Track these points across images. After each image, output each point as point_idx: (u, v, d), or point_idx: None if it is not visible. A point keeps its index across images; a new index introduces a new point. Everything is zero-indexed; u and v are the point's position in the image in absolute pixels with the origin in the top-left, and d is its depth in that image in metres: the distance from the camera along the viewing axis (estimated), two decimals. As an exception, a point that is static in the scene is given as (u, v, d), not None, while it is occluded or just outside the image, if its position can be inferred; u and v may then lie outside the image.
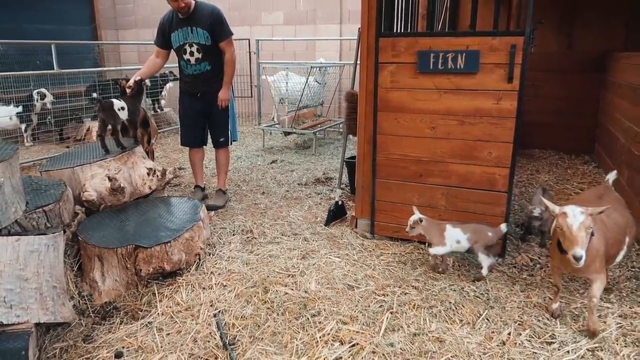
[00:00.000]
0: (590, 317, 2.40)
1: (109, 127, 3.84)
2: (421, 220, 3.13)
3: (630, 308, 2.65)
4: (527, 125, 6.24)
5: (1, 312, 2.27)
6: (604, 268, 2.39)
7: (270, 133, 7.83)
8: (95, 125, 6.84)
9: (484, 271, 3.03)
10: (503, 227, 3.08)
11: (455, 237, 3.06)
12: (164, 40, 4.34)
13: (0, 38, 7.85)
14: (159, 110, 8.47)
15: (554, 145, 6.34)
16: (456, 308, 2.71)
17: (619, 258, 2.56)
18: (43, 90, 6.70)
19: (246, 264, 3.32)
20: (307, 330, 2.54)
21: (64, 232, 3.05)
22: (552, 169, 5.56)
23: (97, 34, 9.95)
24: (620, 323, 2.51)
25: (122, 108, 3.84)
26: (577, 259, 2.11)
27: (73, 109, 7.13)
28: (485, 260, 3.02)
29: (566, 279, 2.96)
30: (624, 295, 2.82)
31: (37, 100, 6.68)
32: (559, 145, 6.29)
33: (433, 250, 3.11)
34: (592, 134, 6.02)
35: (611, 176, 2.94)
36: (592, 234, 2.24)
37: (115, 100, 3.83)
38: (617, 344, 2.33)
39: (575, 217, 2.15)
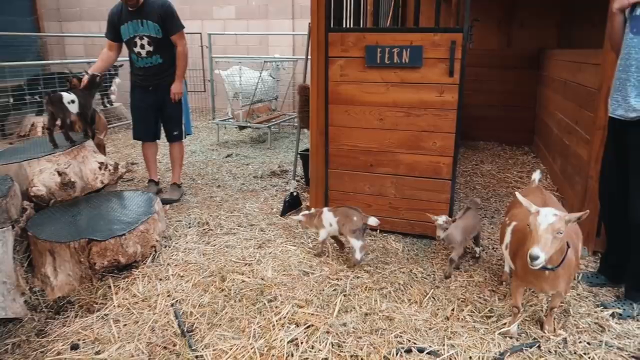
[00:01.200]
0: (549, 322, 2.42)
1: (58, 121, 3.77)
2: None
3: (560, 283, 2.90)
4: (472, 118, 6.59)
5: (-51, 308, 2.23)
6: (571, 281, 2.34)
7: (225, 127, 7.82)
8: (39, 121, 6.64)
9: (357, 255, 3.11)
10: (372, 220, 3.10)
11: (329, 220, 3.23)
12: (114, 33, 4.28)
13: None
14: (108, 105, 8.26)
15: (497, 137, 6.71)
16: (405, 289, 2.88)
17: None
18: None
19: (203, 254, 3.36)
20: (263, 315, 2.63)
21: (13, 227, 2.99)
22: (495, 159, 5.90)
23: (39, 26, 9.55)
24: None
25: (72, 101, 3.77)
26: (532, 258, 1.95)
27: (15, 103, 6.85)
28: (355, 244, 3.11)
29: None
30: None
31: None
32: (501, 137, 6.67)
33: (321, 236, 3.27)
34: (531, 126, 6.42)
35: (537, 176, 2.94)
36: (568, 246, 2.15)
37: (64, 94, 3.76)
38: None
39: (545, 217, 2.00)
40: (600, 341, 2.35)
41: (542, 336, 2.39)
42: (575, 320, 2.51)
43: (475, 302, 2.72)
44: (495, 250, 3.42)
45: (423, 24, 3.70)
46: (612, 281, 2.84)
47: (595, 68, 3.38)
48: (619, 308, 2.57)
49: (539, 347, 2.30)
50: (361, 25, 3.94)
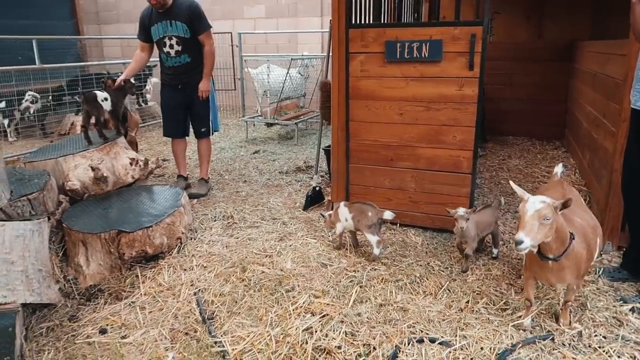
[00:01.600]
0: (564, 315, 2.41)
1: (93, 119, 3.98)
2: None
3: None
4: (501, 112, 6.50)
5: (-11, 292, 2.40)
6: (583, 275, 2.33)
7: (254, 125, 7.96)
8: (79, 120, 6.95)
9: (375, 250, 3.17)
10: (387, 214, 3.15)
11: (344, 215, 3.28)
12: (146, 34, 4.46)
13: (-21, 33, 7.89)
14: (143, 104, 8.55)
15: (527, 131, 6.57)
16: (421, 281, 2.90)
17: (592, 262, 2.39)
18: (37, 95, 6.78)
19: (226, 246, 3.48)
20: (281, 304, 2.71)
21: (49, 219, 3.18)
22: (523, 154, 5.79)
23: (79, 29, 9.96)
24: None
25: (105, 99, 3.98)
26: (517, 243, 2.00)
27: (55, 104, 7.21)
28: (372, 239, 3.16)
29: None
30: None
31: (26, 101, 6.76)
32: (531, 131, 6.53)
33: (337, 230, 3.34)
34: (562, 120, 6.26)
35: (558, 169, 2.91)
36: (572, 237, 2.16)
37: (98, 92, 3.97)
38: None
39: (532, 204, 2.04)
40: (617, 335, 2.31)
41: (556, 329, 2.38)
42: (592, 314, 2.48)
43: (491, 295, 2.72)
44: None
45: (447, 17, 3.69)
46: (635, 276, 2.77)
47: (622, 59, 3.29)
48: (639, 303, 2.52)
49: (552, 339, 2.29)
50: (382, 21, 3.96)
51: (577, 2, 6.01)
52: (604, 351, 2.20)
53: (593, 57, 4.54)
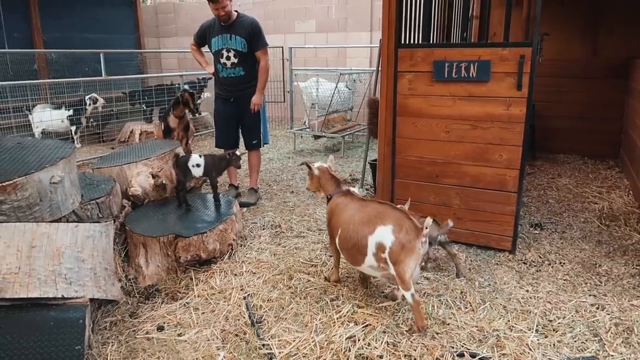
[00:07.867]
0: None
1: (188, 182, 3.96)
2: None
3: (629, 302, 2.82)
4: (552, 130, 6.39)
5: (63, 287, 2.64)
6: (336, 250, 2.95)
7: (302, 136, 8.17)
8: (137, 128, 7.40)
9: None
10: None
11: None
12: (201, 41, 4.83)
13: (52, 47, 8.53)
14: (197, 114, 8.93)
15: (579, 150, 6.42)
16: (462, 296, 2.95)
17: (366, 267, 2.74)
18: (95, 95, 7.28)
19: (274, 254, 3.64)
20: (325, 312, 2.83)
21: (114, 222, 3.45)
22: (574, 173, 5.66)
23: (140, 42, 10.56)
24: (615, 315, 2.69)
25: (198, 165, 3.94)
26: None
27: (118, 112, 7.71)
28: None
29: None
30: (626, 289, 2.99)
31: (88, 105, 7.26)
32: (584, 150, 6.37)
33: None
34: (617, 140, 6.08)
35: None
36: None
37: (193, 156, 3.97)
38: (608, 334, 2.52)
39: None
40: (664, 362, 2.28)
41: (598, 352, 2.37)
42: (639, 339, 2.45)
43: (534, 316, 2.72)
44: (562, 265, 3.36)
45: (498, 34, 3.72)
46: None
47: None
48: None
49: (596, 362, 2.29)
50: (429, 41, 4.04)
51: (635, 19, 5.84)
52: (649, 377, 2.19)
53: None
